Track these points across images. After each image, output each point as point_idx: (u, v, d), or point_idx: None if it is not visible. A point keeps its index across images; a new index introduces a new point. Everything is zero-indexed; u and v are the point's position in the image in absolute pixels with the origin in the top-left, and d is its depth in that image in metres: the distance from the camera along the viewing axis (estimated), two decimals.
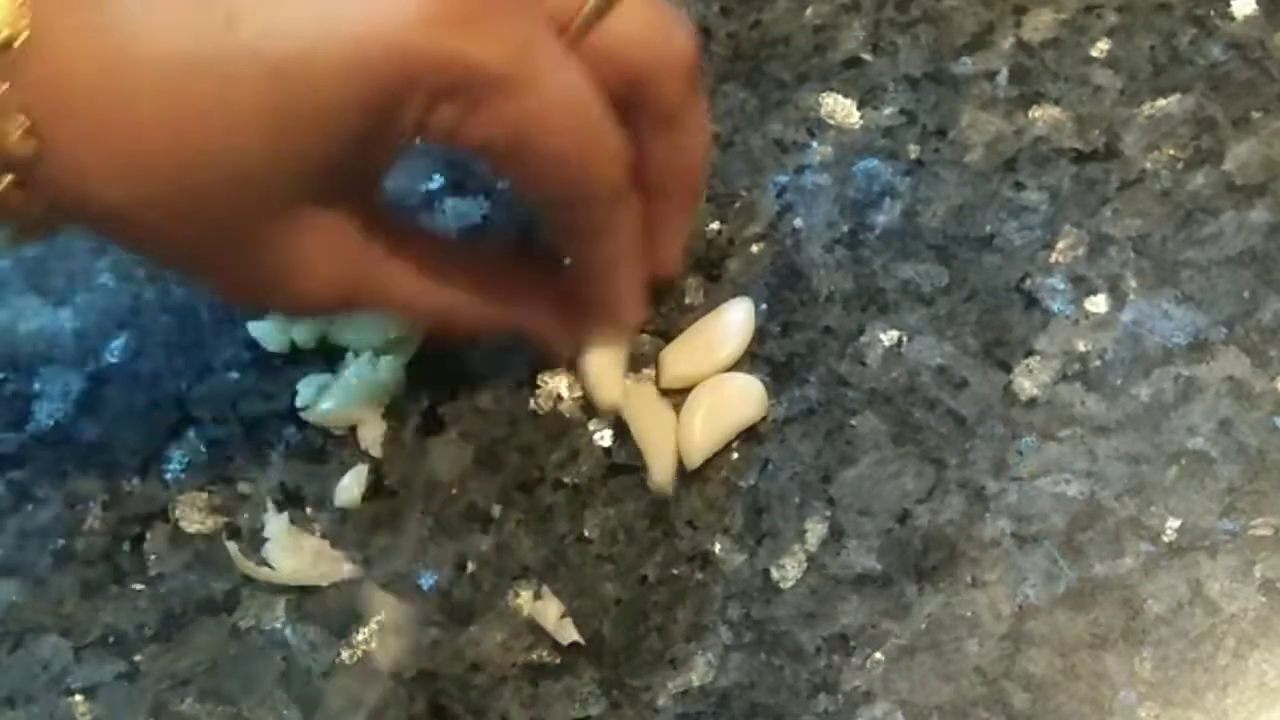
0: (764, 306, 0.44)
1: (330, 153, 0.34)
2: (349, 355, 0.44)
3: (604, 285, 0.41)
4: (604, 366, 0.42)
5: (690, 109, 0.39)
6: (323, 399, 0.43)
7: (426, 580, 0.41)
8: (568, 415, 0.43)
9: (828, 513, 0.41)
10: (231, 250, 0.36)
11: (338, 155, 0.34)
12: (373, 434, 0.43)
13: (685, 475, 0.42)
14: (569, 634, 0.40)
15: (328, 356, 0.44)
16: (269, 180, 0.35)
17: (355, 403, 0.43)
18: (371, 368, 0.43)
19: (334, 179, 0.35)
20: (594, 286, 0.41)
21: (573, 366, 0.43)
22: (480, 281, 0.41)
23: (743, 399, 0.42)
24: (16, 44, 0.32)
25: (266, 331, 0.45)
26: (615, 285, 0.41)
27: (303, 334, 0.44)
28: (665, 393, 0.43)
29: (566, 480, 0.42)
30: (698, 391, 0.42)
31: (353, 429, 0.43)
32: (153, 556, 0.42)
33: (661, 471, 0.41)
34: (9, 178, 0.33)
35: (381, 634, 0.40)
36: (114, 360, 0.45)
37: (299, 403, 0.43)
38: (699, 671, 0.39)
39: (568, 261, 0.41)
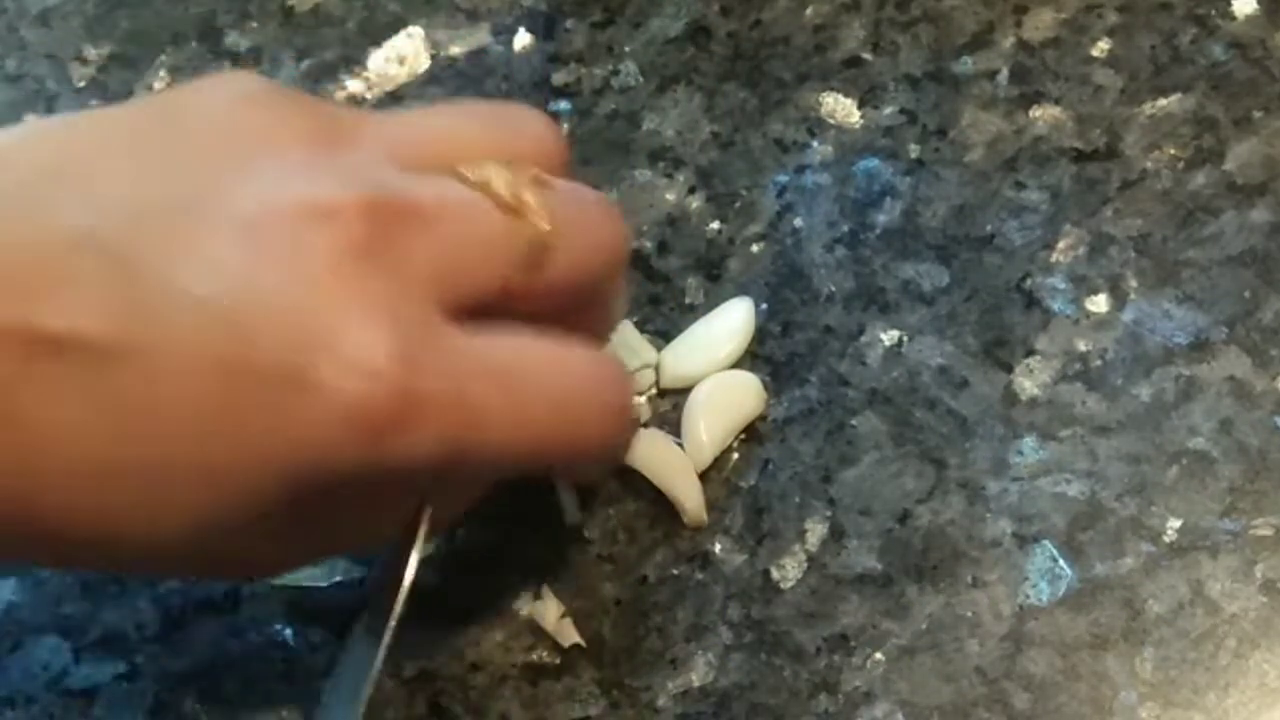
0: (764, 306, 0.44)
1: (268, 537, 0.33)
2: None
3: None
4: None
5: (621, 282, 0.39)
6: None
7: (426, 580, 0.41)
8: None
9: (828, 513, 0.41)
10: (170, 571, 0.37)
11: (286, 529, 0.34)
12: None
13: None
14: (570, 635, 0.40)
15: None
16: (197, 564, 0.35)
17: None
18: None
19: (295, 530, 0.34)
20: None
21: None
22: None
23: (743, 395, 0.42)
24: None
25: None
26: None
27: None
28: (664, 393, 0.43)
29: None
30: (696, 392, 0.42)
31: None
32: None
33: (694, 508, 0.41)
34: None
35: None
36: None
37: None
38: (699, 671, 0.39)
39: None
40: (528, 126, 0.37)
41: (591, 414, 0.36)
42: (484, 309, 0.34)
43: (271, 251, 0.31)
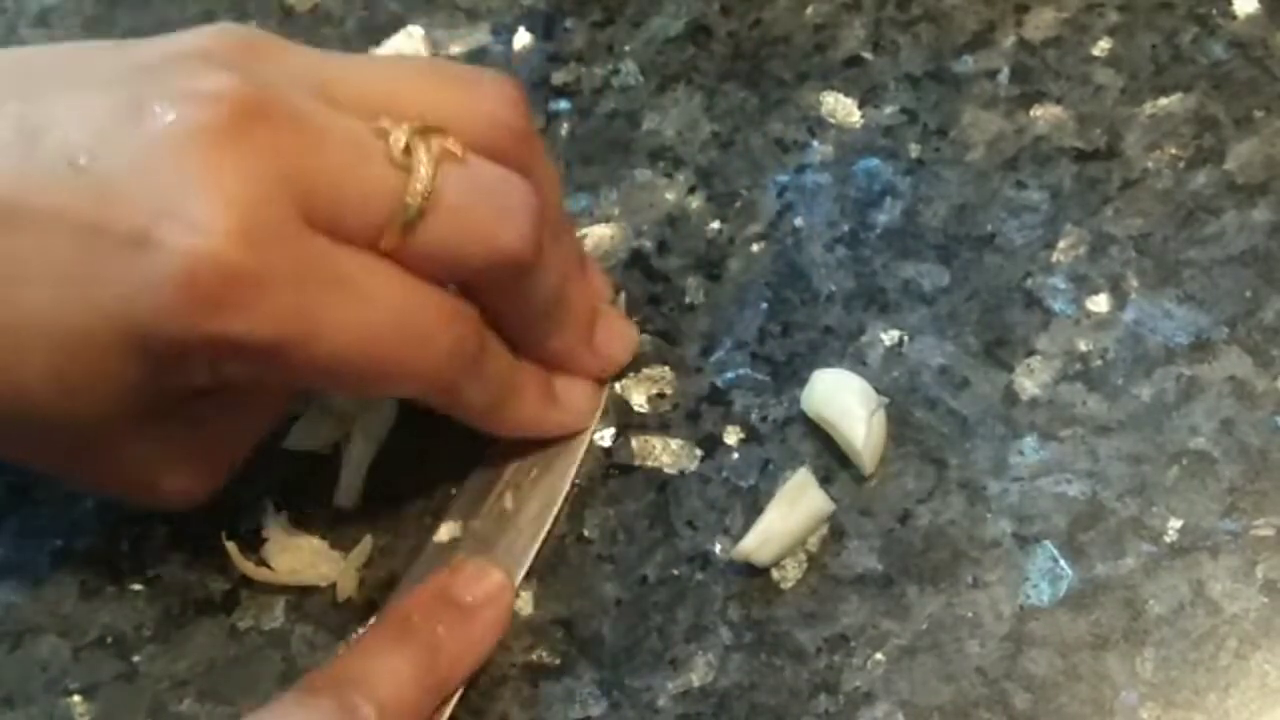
0: (764, 306, 0.44)
1: (121, 410, 0.35)
2: None
3: (505, 426, 0.41)
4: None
5: (527, 286, 0.38)
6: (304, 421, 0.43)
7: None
8: None
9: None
10: (66, 467, 0.38)
11: (131, 409, 0.35)
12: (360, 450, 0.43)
13: (685, 475, 0.42)
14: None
15: None
16: (62, 433, 0.36)
17: (336, 422, 0.43)
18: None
19: (144, 414, 0.36)
20: (499, 429, 0.41)
21: None
22: None
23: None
24: None
25: None
26: (516, 422, 0.41)
27: None
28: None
29: None
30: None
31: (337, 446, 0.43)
32: (151, 557, 0.42)
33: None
34: None
35: None
36: None
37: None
38: (699, 672, 0.39)
39: None
40: (485, 97, 0.38)
41: (425, 344, 0.36)
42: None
43: (150, 126, 0.33)
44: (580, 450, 0.42)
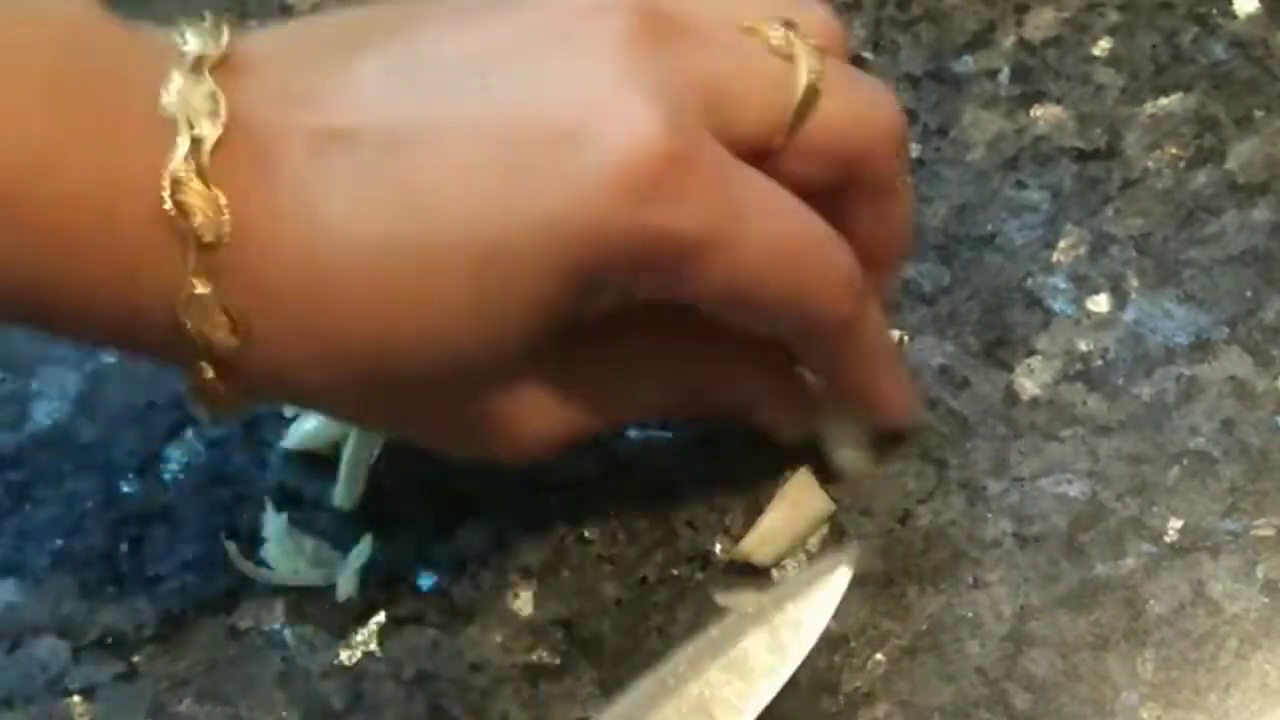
0: None
1: (533, 333, 0.34)
2: None
3: (864, 396, 0.40)
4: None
5: (900, 178, 0.38)
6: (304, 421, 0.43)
7: (426, 580, 0.41)
8: None
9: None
10: (436, 418, 0.37)
11: (541, 334, 0.35)
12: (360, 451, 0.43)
13: (685, 475, 0.42)
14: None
15: None
16: (471, 363, 0.35)
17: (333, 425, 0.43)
18: None
19: (539, 349, 0.35)
20: (856, 397, 0.40)
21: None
22: (699, 374, 0.40)
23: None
24: (221, 246, 0.32)
25: None
26: (875, 394, 0.40)
27: None
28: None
29: (566, 480, 0.42)
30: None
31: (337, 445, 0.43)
32: (151, 557, 0.42)
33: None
34: (209, 371, 0.34)
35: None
36: (112, 360, 0.45)
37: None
38: None
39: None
40: (813, 10, 0.38)
41: (830, 266, 0.36)
42: (750, 160, 0.35)
43: (553, 41, 0.34)
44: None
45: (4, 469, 0.44)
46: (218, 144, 0.32)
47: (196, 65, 0.33)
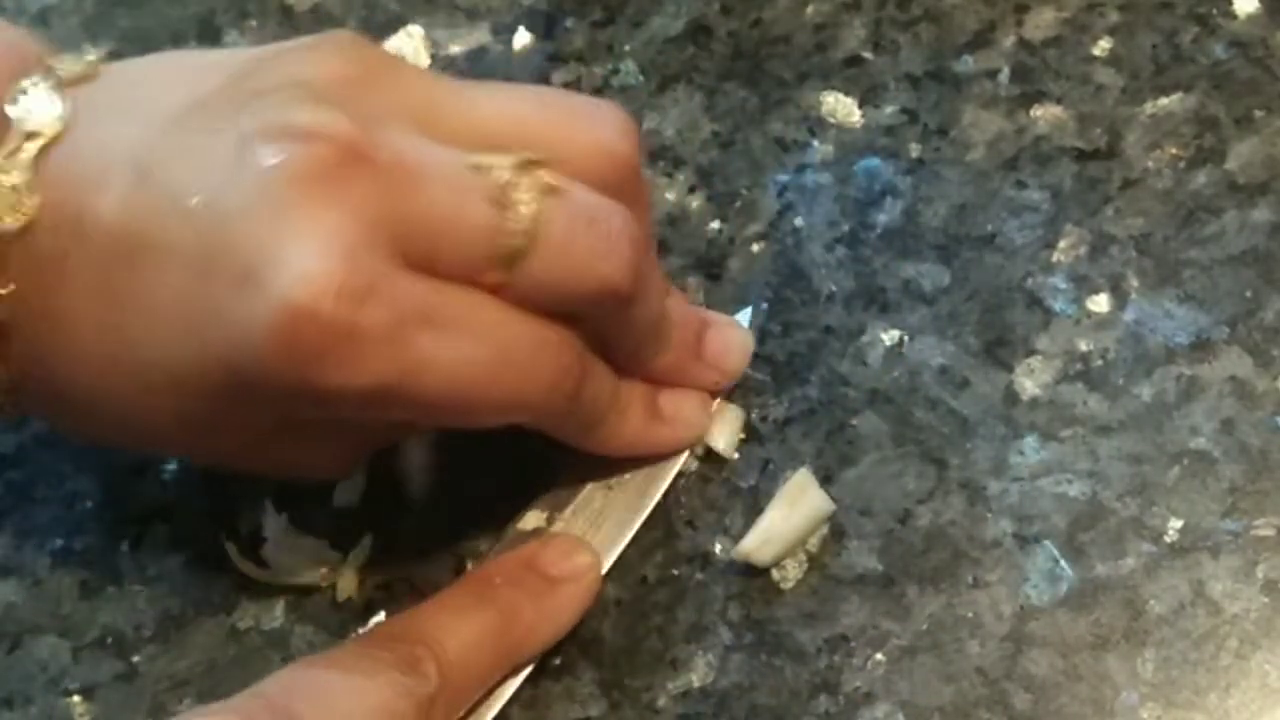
0: (764, 306, 0.44)
1: (246, 439, 0.37)
2: None
3: (619, 447, 0.41)
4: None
5: (630, 315, 0.38)
6: None
7: (424, 579, 0.41)
8: None
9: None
10: (231, 461, 0.40)
11: (257, 437, 0.37)
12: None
13: (685, 475, 0.42)
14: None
15: None
16: (208, 454, 0.39)
17: None
18: None
19: (275, 430, 0.37)
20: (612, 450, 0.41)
21: None
22: None
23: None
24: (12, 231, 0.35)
25: None
26: (627, 442, 0.41)
27: None
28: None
29: None
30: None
31: None
32: (151, 557, 0.42)
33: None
34: None
35: None
36: None
37: None
38: (699, 672, 0.39)
39: None
40: (599, 126, 0.37)
41: (528, 377, 0.36)
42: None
43: (254, 168, 0.33)
44: (679, 460, 0.42)
45: (4, 469, 0.44)
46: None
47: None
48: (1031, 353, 0.42)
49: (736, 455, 0.42)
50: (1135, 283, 0.43)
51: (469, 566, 0.41)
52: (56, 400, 0.37)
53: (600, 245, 0.36)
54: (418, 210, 0.34)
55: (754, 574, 0.40)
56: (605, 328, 0.38)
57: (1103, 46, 0.47)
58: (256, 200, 0.33)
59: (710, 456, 0.42)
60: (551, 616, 0.38)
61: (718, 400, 0.42)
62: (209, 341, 0.34)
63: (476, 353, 0.35)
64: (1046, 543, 0.40)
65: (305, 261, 0.32)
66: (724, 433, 0.42)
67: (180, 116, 0.35)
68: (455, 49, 0.50)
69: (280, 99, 0.35)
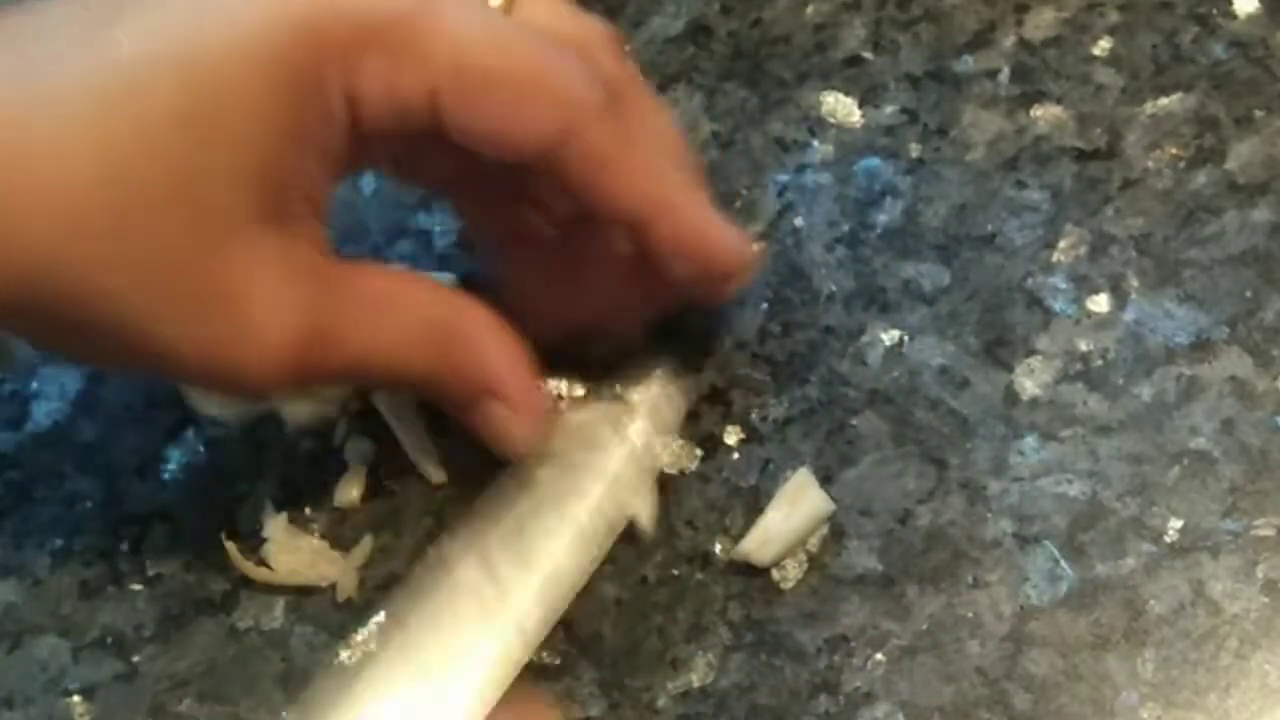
0: (764, 306, 0.44)
1: (263, 154, 0.33)
2: None
3: (669, 223, 0.37)
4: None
5: (633, 83, 0.37)
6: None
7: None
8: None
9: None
10: (175, 296, 0.34)
11: (272, 156, 0.33)
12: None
13: (685, 475, 0.42)
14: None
15: None
16: (203, 193, 0.33)
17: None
18: None
19: (275, 189, 0.33)
20: (662, 231, 0.37)
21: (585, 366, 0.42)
22: (444, 324, 0.38)
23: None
24: None
25: None
26: (682, 218, 0.37)
27: None
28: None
29: None
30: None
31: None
32: (151, 557, 0.42)
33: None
34: None
35: None
36: None
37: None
38: (699, 672, 0.39)
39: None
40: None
41: (566, 65, 0.35)
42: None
43: None
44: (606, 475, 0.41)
45: (4, 469, 0.44)
46: None
47: None
48: (1031, 353, 0.42)
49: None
50: (1135, 283, 0.43)
51: None
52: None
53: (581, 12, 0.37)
54: None
55: (754, 574, 0.40)
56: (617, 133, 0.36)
57: (1103, 46, 0.47)
58: None
59: (708, 455, 0.42)
60: None
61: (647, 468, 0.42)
62: (228, 11, 0.32)
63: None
64: (1046, 543, 0.40)
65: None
66: (647, 505, 0.41)
67: None
68: None
69: None
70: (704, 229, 0.38)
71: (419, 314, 0.38)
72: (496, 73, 0.34)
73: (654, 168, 0.37)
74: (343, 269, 0.37)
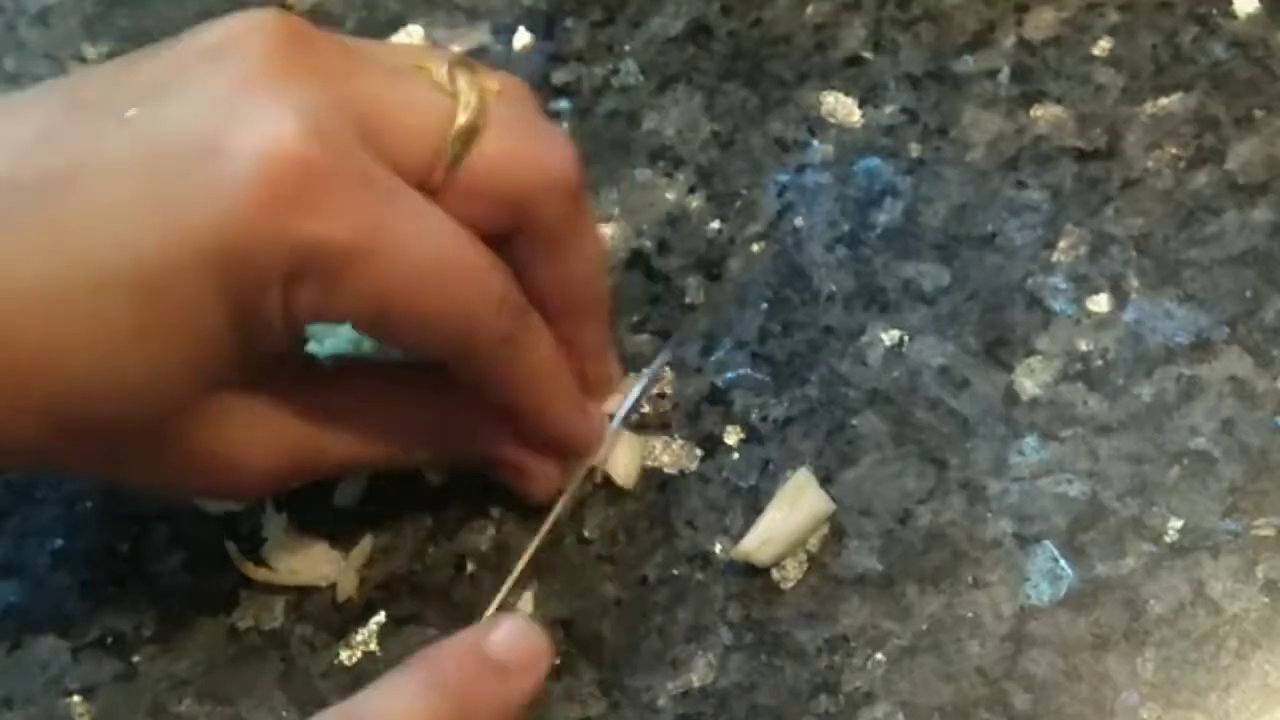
0: (764, 306, 0.44)
1: (211, 352, 0.35)
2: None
3: (541, 420, 0.39)
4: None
5: (577, 226, 0.38)
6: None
7: (426, 580, 0.41)
8: None
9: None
10: (148, 461, 0.37)
11: (222, 352, 0.35)
12: None
13: (685, 475, 0.42)
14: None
15: None
16: (158, 391, 0.35)
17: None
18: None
19: (228, 370, 0.35)
20: (533, 424, 0.39)
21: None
22: (438, 416, 0.40)
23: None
24: None
25: None
26: (552, 418, 0.40)
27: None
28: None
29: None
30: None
31: None
32: (151, 557, 0.42)
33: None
34: None
35: None
36: None
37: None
38: (699, 672, 0.39)
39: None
40: (495, 72, 0.38)
41: (482, 283, 0.36)
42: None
43: (200, 67, 0.34)
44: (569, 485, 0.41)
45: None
46: None
47: None
48: (1031, 353, 0.42)
49: (632, 487, 0.41)
50: (1135, 283, 0.43)
51: (469, 567, 0.41)
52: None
53: (547, 134, 0.37)
54: (370, 92, 0.35)
55: (754, 574, 0.40)
56: (543, 259, 0.38)
57: (1103, 46, 0.47)
58: (206, 89, 0.33)
59: (708, 455, 0.42)
60: (506, 709, 0.36)
61: (614, 424, 0.42)
62: (172, 223, 0.33)
63: (438, 240, 0.35)
64: (1046, 543, 0.40)
65: (275, 118, 0.33)
66: (622, 460, 0.41)
67: (106, 87, 0.35)
68: (455, 48, 0.50)
69: (208, 30, 0.35)
70: (567, 428, 0.40)
71: (404, 416, 0.40)
72: (416, 313, 0.35)
73: (539, 381, 0.39)
74: (320, 387, 0.39)
